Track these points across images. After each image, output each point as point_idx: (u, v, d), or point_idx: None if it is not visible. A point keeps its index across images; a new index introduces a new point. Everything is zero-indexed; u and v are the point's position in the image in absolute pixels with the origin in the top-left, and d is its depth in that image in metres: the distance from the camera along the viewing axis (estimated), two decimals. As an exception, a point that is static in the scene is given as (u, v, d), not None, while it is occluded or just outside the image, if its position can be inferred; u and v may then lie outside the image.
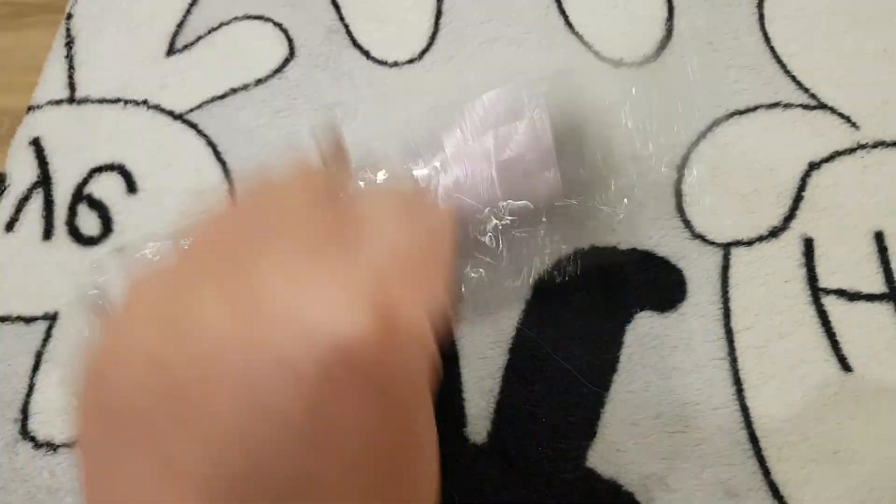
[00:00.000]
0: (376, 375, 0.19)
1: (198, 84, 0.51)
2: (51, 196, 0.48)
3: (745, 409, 0.40)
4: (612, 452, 0.40)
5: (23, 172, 0.49)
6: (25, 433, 0.42)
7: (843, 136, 0.48)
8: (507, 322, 0.43)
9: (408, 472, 0.21)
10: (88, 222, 0.47)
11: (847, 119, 0.48)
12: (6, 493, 0.40)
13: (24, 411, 0.42)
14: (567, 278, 0.43)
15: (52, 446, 0.41)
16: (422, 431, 0.22)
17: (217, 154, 0.49)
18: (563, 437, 0.40)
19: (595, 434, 0.40)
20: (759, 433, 0.40)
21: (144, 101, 0.51)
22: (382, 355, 0.19)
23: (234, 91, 0.51)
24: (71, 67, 0.53)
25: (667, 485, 0.39)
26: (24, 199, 0.48)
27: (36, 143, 0.50)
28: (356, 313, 0.19)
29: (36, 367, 0.43)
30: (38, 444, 0.41)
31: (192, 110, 0.50)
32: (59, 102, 0.52)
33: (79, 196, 0.48)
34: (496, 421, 0.40)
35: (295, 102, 0.50)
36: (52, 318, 0.45)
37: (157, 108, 0.51)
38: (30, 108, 0.52)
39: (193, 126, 0.50)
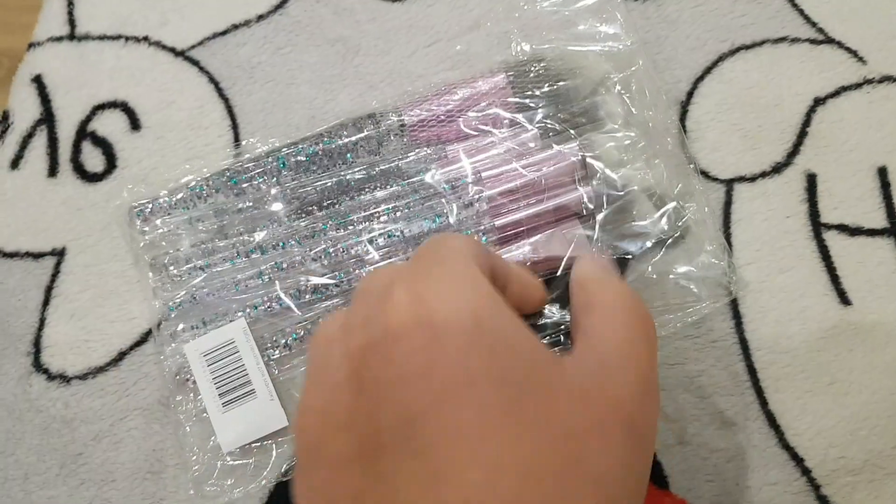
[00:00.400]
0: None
1: (198, 20, 0.51)
2: (54, 133, 0.48)
3: (743, 342, 0.41)
4: (612, 384, 0.41)
5: (26, 110, 0.49)
6: (38, 366, 0.43)
7: (849, 71, 0.47)
8: (510, 257, 0.43)
9: None
10: (93, 159, 0.47)
11: (854, 53, 0.48)
12: (22, 422, 0.41)
13: (37, 345, 0.43)
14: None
15: (65, 378, 0.42)
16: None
17: (219, 91, 0.49)
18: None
19: (596, 366, 0.41)
20: (757, 365, 0.41)
21: (145, 38, 0.50)
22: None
23: (235, 27, 0.50)
24: (70, 3, 0.52)
25: (666, 415, 0.40)
26: (28, 137, 0.48)
27: (38, 81, 0.50)
28: None
29: (46, 302, 0.44)
30: (51, 377, 0.42)
31: (193, 47, 0.50)
32: (59, 39, 0.51)
33: (82, 133, 0.48)
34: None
35: (297, 38, 0.50)
36: (59, 254, 0.45)
37: (159, 44, 0.50)
38: (30, 45, 0.51)
39: (195, 63, 0.49)
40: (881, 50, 0.47)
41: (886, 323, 0.41)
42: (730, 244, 0.43)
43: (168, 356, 0.41)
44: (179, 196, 0.44)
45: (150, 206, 0.43)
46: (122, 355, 0.42)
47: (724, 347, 0.41)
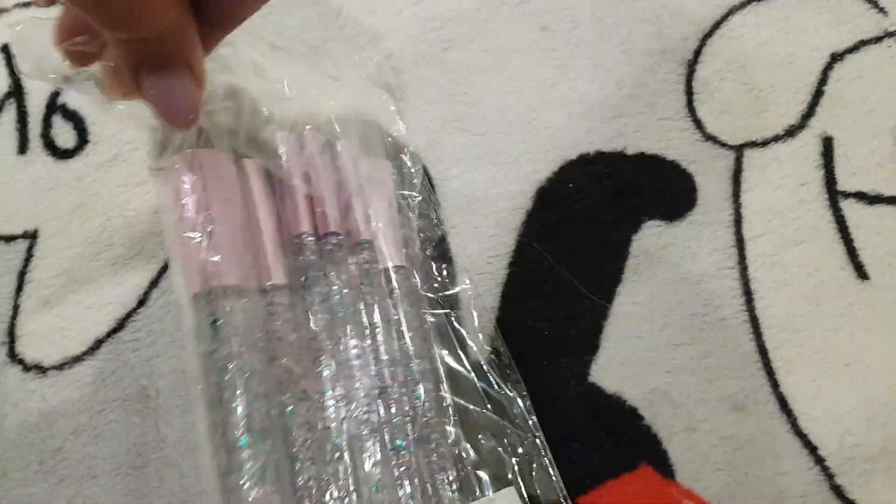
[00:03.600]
0: None
1: (171, -19, 0.47)
2: (24, 107, 0.46)
3: (754, 320, 0.39)
4: (615, 367, 0.38)
5: (-7, 82, 0.46)
6: (13, 356, 0.41)
7: (869, 24, 0.44)
8: (507, 235, 0.40)
9: None
10: (64, 134, 0.45)
11: (874, 3, 0.44)
12: (0, 416, 0.40)
13: (11, 334, 0.41)
14: (571, 186, 0.41)
15: (41, 369, 0.40)
16: None
17: (195, 58, 0.46)
18: (566, 351, 0.39)
19: (598, 348, 0.39)
20: (768, 345, 0.38)
21: (116, 1, 0.47)
22: None
23: None
24: (36, -35, 0.49)
25: (671, 399, 0.38)
26: (-4, 111, 0.46)
27: (5, 51, 0.47)
28: None
29: (19, 289, 0.42)
30: (27, 367, 0.40)
31: (166, 10, 0.47)
32: (26, 5, 0.48)
33: (53, 107, 0.45)
34: (496, 338, 0.39)
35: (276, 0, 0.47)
36: (32, 237, 0.43)
37: (130, 8, 0.47)
38: (-5, 12, 0.48)
39: (169, 27, 0.46)
40: (905, -1, 0.44)
41: (907, 299, 0.38)
42: (739, 214, 0.40)
43: None
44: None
45: None
46: (98, 343, 0.40)
47: (733, 326, 0.39)
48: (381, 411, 0.34)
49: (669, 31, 0.44)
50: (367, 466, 0.33)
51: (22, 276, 0.42)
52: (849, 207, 0.40)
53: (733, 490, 0.36)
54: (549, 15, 0.45)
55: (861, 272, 0.39)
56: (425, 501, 0.34)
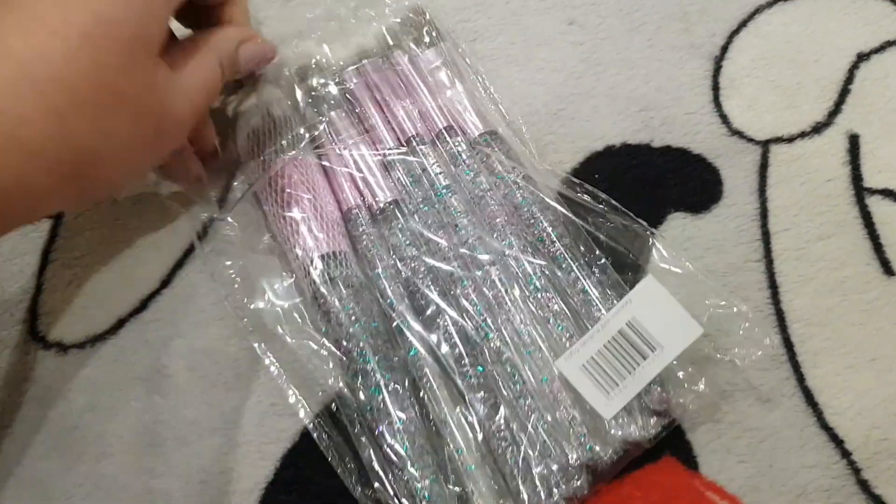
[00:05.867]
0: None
1: (202, -31, 0.48)
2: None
3: (780, 314, 0.39)
4: (638, 357, 0.38)
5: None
6: (35, 334, 0.41)
7: (894, 25, 0.44)
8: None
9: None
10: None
11: (900, 6, 0.44)
12: (18, 393, 0.40)
13: (33, 311, 0.41)
14: (597, 177, 0.41)
15: (62, 347, 0.40)
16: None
17: (224, 45, 0.46)
18: (588, 341, 0.39)
19: (621, 339, 0.39)
20: (793, 338, 0.38)
21: (146, -11, 0.48)
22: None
23: (240, -23, 0.47)
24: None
25: (696, 391, 0.37)
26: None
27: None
28: None
29: (43, 268, 0.42)
30: (47, 345, 0.40)
31: None
32: None
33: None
34: (518, 324, 0.39)
35: (306, -11, 0.47)
36: (57, 216, 0.43)
37: None
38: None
39: (198, 15, 0.47)
40: (931, 1, 0.44)
41: (934, 295, 0.38)
42: (765, 209, 0.40)
43: None
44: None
45: None
46: (121, 322, 0.40)
47: (758, 319, 0.38)
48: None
49: (697, 28, 0.44)
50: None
51: (46, 254, 0.42)
52: (875, 204, 0.40)
53: (757, 482, 0.36)
54: (577, 9, 0.45)
55: (887, 268, 0.39)
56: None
